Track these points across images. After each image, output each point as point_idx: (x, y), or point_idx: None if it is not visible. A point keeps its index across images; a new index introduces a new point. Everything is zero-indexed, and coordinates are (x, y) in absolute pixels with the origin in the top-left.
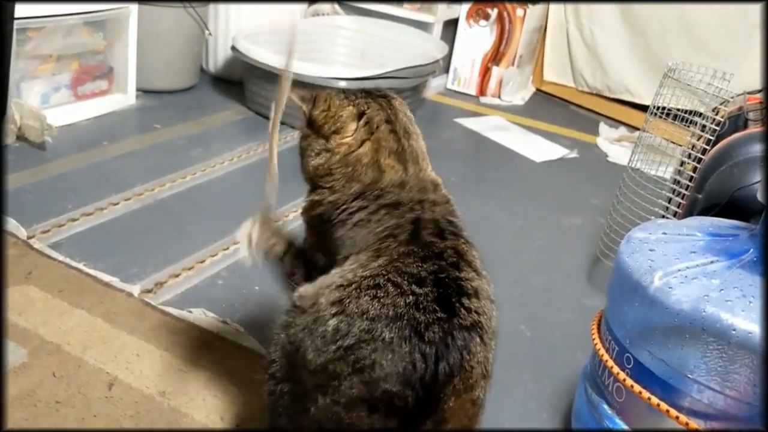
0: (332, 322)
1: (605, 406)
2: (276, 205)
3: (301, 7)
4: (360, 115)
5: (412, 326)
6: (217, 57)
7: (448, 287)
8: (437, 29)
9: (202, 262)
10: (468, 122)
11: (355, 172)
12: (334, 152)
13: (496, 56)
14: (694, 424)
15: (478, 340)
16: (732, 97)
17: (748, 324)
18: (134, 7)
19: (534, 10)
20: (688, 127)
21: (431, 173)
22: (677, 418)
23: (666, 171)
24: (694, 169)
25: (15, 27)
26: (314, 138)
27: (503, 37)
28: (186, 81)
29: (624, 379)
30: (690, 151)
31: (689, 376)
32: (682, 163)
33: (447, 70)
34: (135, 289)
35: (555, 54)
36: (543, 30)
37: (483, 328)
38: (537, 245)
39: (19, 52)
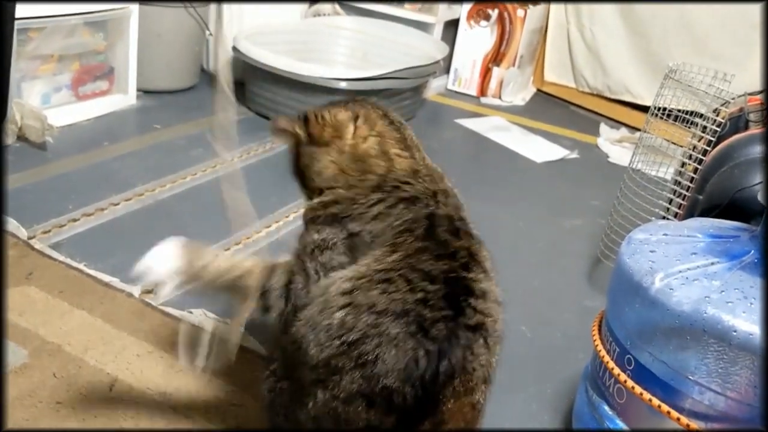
0: (339, 314)
1: (606, 407)
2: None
3: (302, 8)
4: (356, 116)
5: (418, 322)
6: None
7: (457, 286)
8: (438, 30)
9: None
10: (468, 123)
11: (367, 164)
12: (342, 152)
13: (496, 57)
14: (695, 425)
15: (481, 342)
16: (733, 98)
17: (749, 325)
18: (135, 8)
19: (534, 11)
20: (689, 128)
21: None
22: (678, 419)
23: (667, 172)
24: (695, 170)
25: (16, 27)
26: (316, 149)
27: (504, 38)
28: (186, 81)
29: (625, 381)
30: (691, 152)
31: (690, 377)
32: (683, 164)
33: (447, 71)
34: (135, 290)
35: (556, 54)
36: (544, 30)
37: (487, 331)
38: (538, 246)
39: (20, 53)
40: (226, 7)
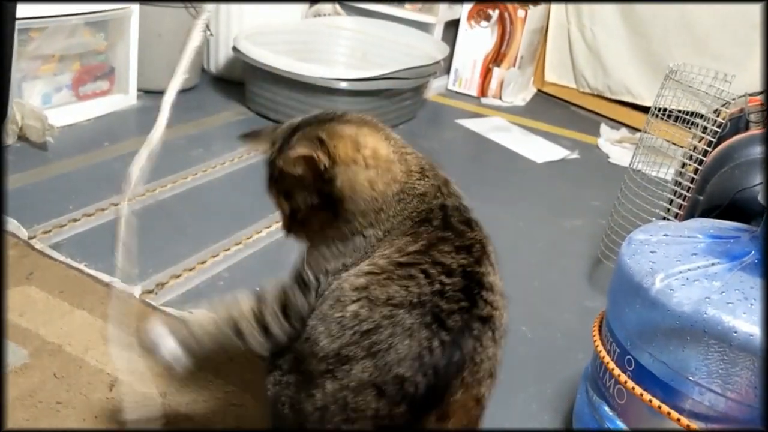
0: (352, 307)
1: (606, 408)
2: None
3: (302, 8)
4: (361, 126)
5: (434, 313)
6: (218, 57)
7: (472, 279)
8: (438, 30)
9: (203, 262)
10: (469, 123)
11: (392, 172)
12: (368, 165)
13: (497, 57)
14: (695, 426)
15: (490, 334)
16: (733, 99)
17: (749, 326)
18: (136, 8)
19: (535, 11)
20: (690, 128)
21: None
22: (678, 420)
23: (667, 172)
24: (696, 171)
25: (17, 27)
26: (345, 169)
27: (504, 38)
28: (187, 81)
29: (625, 381)
30: (691, 152)
31: (690, 378)
32: (684, 165)
33: (448, 71)
34: (136, 290)
35: (556, 55)
36: (544, 31)
37: (495, 324)
38: (538, 246)
39: (21, 53)
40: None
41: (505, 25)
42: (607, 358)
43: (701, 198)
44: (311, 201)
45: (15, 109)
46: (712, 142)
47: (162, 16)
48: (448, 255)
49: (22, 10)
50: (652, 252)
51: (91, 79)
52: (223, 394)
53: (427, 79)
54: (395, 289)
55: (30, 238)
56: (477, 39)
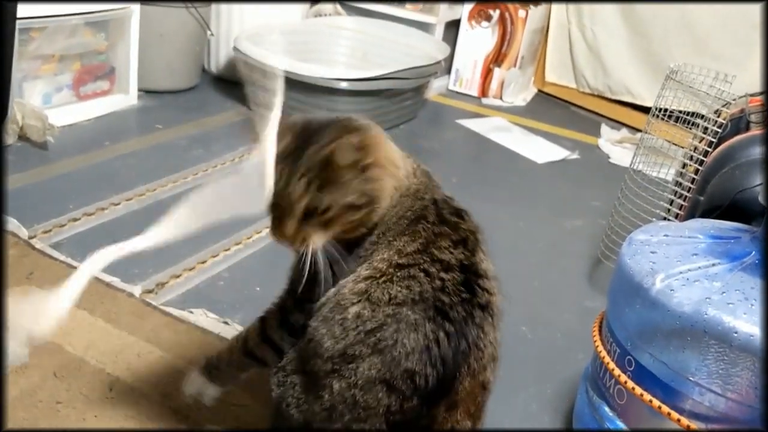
0: (353, 309)
1: (606, 408)
2: None
3: (303, 8)
4: (368, 129)
5: (437, 307)
6: (219, 57)
7: (470, 271)
8: (439, 30)
9: (204, 262)
10: (469, 123)
11: (398, 176)
12: (385, 168)
13: (497, 57)
14: (695, 426)
15: (490, 320)
16: (734, 99)
17: (749, 327)
18: (136, 8)
19: (536, 12)
20: (690, 129)
21: None
22: (678, 420)
23: (668, 173)
24: (696, 171)
25: (18, 27)
26: (369, 176)
27: (505, 39)
28: (187, 81)
29: (625, 382)
30: (692, 153)
31: (691, 378)
32: (684, 165)
33: (449, 71)
34: (136, 290)
35: (557, 55)
36: (545, 31)
37: (493, 309)
38: (538, 246)
39: (22, 52)
40: (227, 8)
41: (506, 26)
42: (607, 359)
43: (702, 198)
44: (345, 200)
45: (16, 109)
46: (712, 142)
47: (163, 16)
48: (446, 251)
49: (22, 10)
50: (652, 252)
51: (91, 79)
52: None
53: (427, 79)
54: (397, 290)
55: (30, 237)
56: (478, 39)
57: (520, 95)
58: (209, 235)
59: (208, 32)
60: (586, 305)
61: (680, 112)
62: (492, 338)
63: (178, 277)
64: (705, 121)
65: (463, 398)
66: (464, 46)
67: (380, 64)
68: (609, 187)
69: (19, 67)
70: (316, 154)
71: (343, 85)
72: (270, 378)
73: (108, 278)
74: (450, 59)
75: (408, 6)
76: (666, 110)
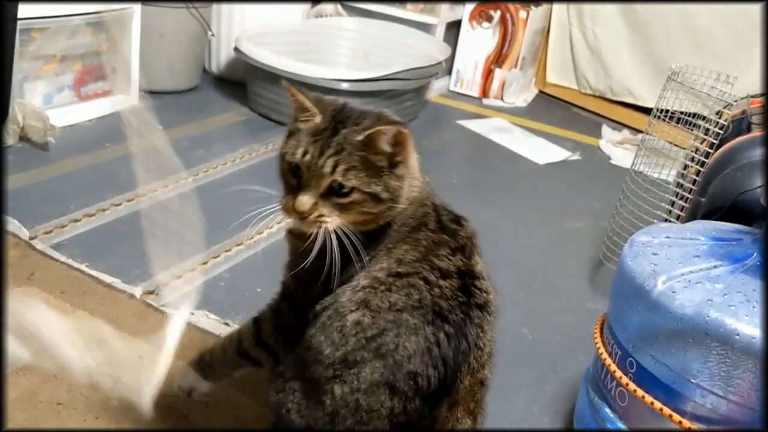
0: (352, 316)
1: (607, 410)
2: None
3: (304, 8)
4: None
5: (435, 311)
6: (220, 58)
7: (467, 275)
8: (440, 31)
9: (205, 263)
10: (470, 124)
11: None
12: (409, 166)
13: (498, 58)
14: (696, 428)
15: (488, 319)
16: (735, 101)
17: (751, 329)
18: (137, 8)
19: (537, 12)
20: (692, 130)
21: None
22: (680, 422)
23: (669, 174)
24: (698, 173)
25: (19, 27)
26: (398, 173)
27: (506, 39)
28: (188, 82)
29: (627, 383)
30: (693, 154)
31: (692, 380)
32: (686, 167)
33: (450, 72)
34: (137, 291)
35: (558, 56)
36: (546, 32)
37: (490, 308)
38: (539, 248)
39: (23, 53)
40: (227, 8)
41: (507, 26)
42: (608, 360)
43: (703, 200)
44: (370, 188)
45: (16, 109)
46: (714, 143)
47: (163, 16)
48: (446, 258)
49: (23, 11)
50: (654, 254)
51: (92, 79)
52: (223, 395)
53: (428, 80)
54: (397, 297)
55: (31, 238)
56: (479, 40)
57: (521, 96)
58: (210, 236)
59: (209, 32)
60: (588, 307)
61: (681, 113)
62: (490, 336)
63: (179, 278)
64: (706, 123)
65: (463, 396)
66: (465, 47)
67: (381, 65)
68: (610, 188)
69: (20, 68)
70: (352, 136)
71: (344, 85)
72: (268, 384)
73: (109, 279)
74: (451, 60)
75: (409, 7)
76: (667, 111)
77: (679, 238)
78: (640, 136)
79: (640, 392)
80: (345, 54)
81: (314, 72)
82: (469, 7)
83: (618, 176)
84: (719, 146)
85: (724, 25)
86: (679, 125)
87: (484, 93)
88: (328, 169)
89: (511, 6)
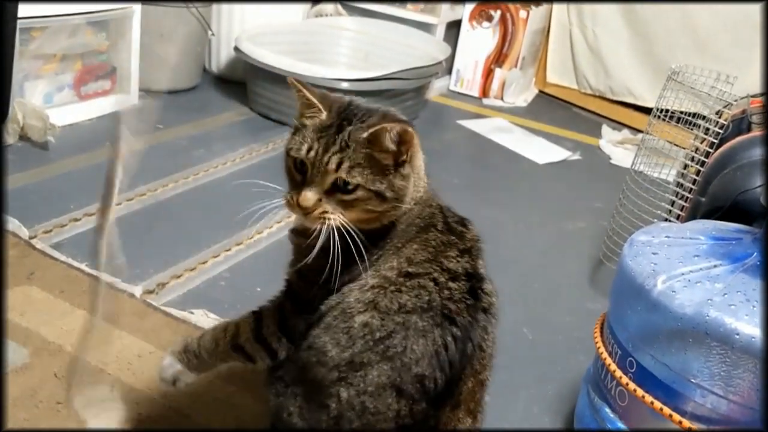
0: (360, 318)
1: (608, 410)
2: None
3: (304, 8)
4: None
5: (443, 314)
6: (220, 57)
7: (474, 278)
8: (440, 31)
9: (204, 263)
10: (470, 124)
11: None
12: (416, 166)
13: (499, 58)
14: (696, 428)
15: (492, 321)
16: (735, 100)
17: (751, 328)
18: (137, 7)
19: (537, 12)
20: (692, 130)
21: None
22: (680, 422)
23: (669, 174)
24: (698, 172)
25: (19, 27)
26: (405, 172)
27: (506, 39)
28: (188, 81)
29: (627, 383)
30: (693, 154)
31: (692, 380)
32: (686, 166)
33: (450, 72)
34: (137, 290)
35: (558, 56)
36: (546, 32)
37: (493, 311)
38: (539, 248)
39: (23, 52)
40: (228, 8)
41: (507, 26)
42: (608, 360)
43: (703, 199)
44: (375, 186)
45: (16, 109)
46: (714, 143)
47: (163, 15)
48: (454, 260)
49: (23, 10)
50: (654, 254)
51: (92, 78)
52: (223, 394)
53: (428, 79)
54: (406, 298)
55: (31, 237)
56: (479, 40)
57: (521, 96)
58: (210, 236)
59: (209, 32)
60: (588, 307)
61: (681, 113)
62: (492, 338)
63: (178, 277)
64: (706, 122)
65: (465, 397)
66: (465, 47)
67: (381, 65)
68: (610, 188)
69: (20, 67)
70: (357, 133)
71: (344, 85)
72: (266, 387)
73: (109, 278)
74: (451, 60)
75: (409, 6)
76: (667, 111)
77: (679, 237)
78: (640, 135)
79: (640, 392)
80: (345, 54)
81: (314, 72)
82: (470, 7)
83: (618, 176)
84: (719, 146)
85: (724, 25)
86: (679, 125)
87: (484, 93)
88: (332, 165)
89: (511, 6)
